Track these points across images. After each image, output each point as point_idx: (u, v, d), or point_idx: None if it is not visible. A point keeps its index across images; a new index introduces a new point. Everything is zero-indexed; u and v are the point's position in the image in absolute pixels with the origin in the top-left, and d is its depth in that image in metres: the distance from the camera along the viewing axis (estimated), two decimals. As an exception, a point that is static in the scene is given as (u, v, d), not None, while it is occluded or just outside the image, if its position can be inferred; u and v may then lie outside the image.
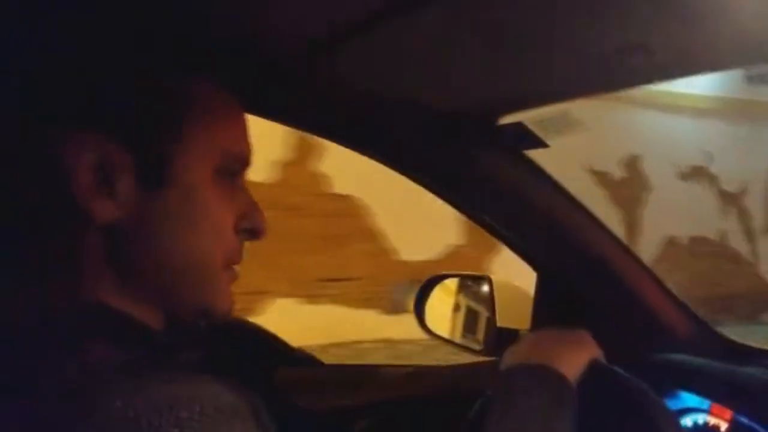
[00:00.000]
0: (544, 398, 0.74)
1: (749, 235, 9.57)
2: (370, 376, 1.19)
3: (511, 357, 0.84)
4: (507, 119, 0.92)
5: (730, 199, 9.55)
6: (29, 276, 0.50)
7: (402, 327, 5.78)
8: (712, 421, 0.87)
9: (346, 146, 0.99)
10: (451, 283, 1.20)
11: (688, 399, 0.89)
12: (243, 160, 0.58)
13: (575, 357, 0.82)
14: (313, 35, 0.70)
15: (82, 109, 0.50)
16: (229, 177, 0.56)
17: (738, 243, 9.46)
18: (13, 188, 0.50)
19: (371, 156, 0.99)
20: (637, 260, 0.99)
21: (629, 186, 8.40)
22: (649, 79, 0.81)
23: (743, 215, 9.77)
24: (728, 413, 0.84)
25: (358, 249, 6.54)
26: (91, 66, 0.50)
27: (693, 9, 0.64)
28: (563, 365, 0.79)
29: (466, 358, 1.17)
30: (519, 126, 0.92)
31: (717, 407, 0.86)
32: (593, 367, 0.90)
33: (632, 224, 8.32)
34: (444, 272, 1.21)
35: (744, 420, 0.81)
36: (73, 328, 0.48)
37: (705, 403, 0.87)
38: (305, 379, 1.13)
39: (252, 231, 0.59)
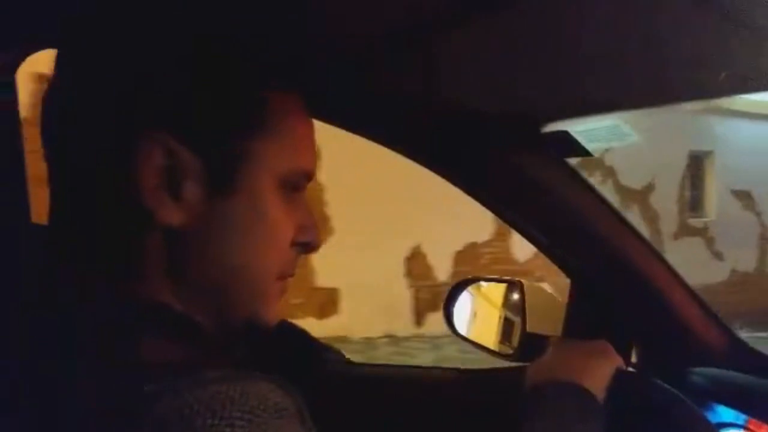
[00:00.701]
0: (573, 416, 0.74)
1: (654, 238, 9.27)
2: (404, 377, 1.20)
3: (537, 373, 0.84)
4: (552, 127, 0.92)
5: (631, 197, 9.53)
6: (96, 272, 0.50)
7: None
8: (748, 436, 0.87)
9: (393, 149, 0.99)
10: (481, 288, 1.20)
11: (724, 413, 0.89)
12: (308, 174, 0.58)
13: (601, 369, 0.82)
14: (369, 39, 0.70)
15: (158, 111, 0.49)
16: (292, 190, 0.56)
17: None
18: (90, 184, 0.50)
19: (416, 160, 0.99)
20: (673, 272, 0.99)
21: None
22: (706, 95, 0.81)
23: (648, 215, 9.77)
24: (765, 429, 0.85)
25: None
26: (171, 69, 0.50)
27: (753, 27, 0.64)
28: (590, 379, 0.79)
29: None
30: (564, 134, 0.92)
31: (754, 422, 0.86)
32: (631, 378, 0.91)
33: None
34: (475, 275, 1.21)
35: (783, 437, 0.81)
36: (131, 324, 0.48)
37: (741, 418, 0.88)
38: (340, 378, 1.13)
39: (307, 245, 0.59)
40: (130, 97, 0.49)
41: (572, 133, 0.92)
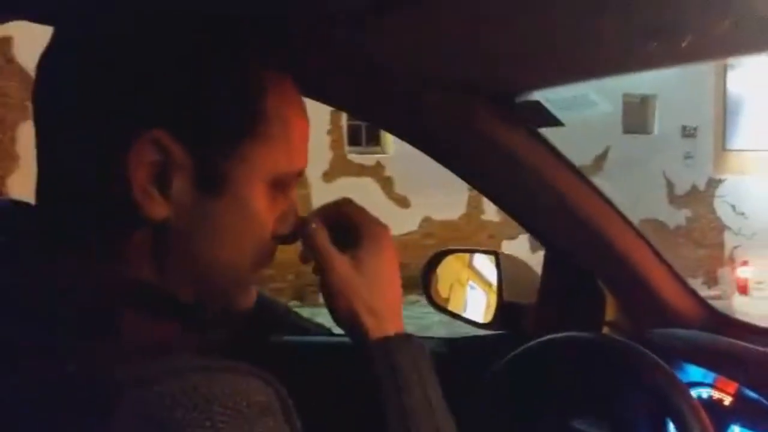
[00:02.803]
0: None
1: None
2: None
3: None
4: (524, 97, 0.94)
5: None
6: (80, 254, 0.50)
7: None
8: (716, 395, 0.90)
9: (364, 119, 0.99)
10: (458, 258, 1.22)
11: (693, 372, 0.92)
12: (298, 172, 0.57)
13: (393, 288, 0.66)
14: (334, 9, 0.70)
15: (155, 107, 0.50)
16: (281, 188, 0.56)
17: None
18: (80, 171, 0.50)
19: (388, 130, 0.99)
20: (644, 239, 1.01)
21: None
22: (670, 62, 0.82)
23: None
24: (732, 387, 0.88)
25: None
26: (171, 66, 0.50)
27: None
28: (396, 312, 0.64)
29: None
30: (536, 104, 0.94)
31: (721, 381, 0.89)
32: (603, 340, 0.93)
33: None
34: (451, 247, 1.22)
35: (749, 392, 0.84)
36: (112, 299, 0.48)
37: (709, 377, 0.90)
38: (301, 347, 1.14)
39: (287, 236, 0.59)
40: (129, 93, 0.49)
41: (544, 103, 0.94)
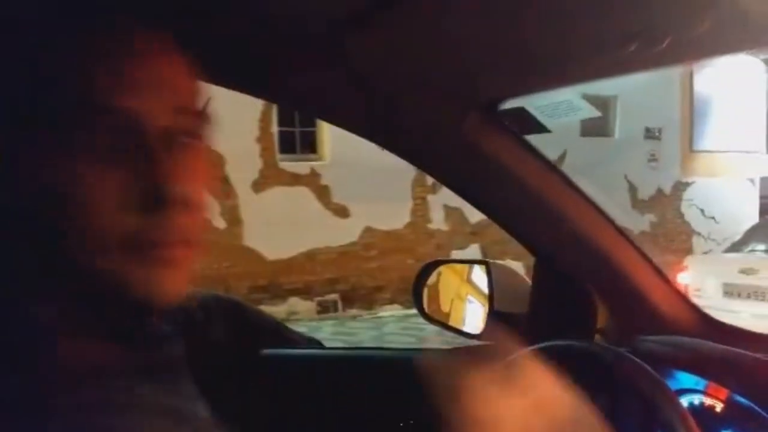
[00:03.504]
0: None
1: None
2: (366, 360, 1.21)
3: None
4: (509, 104, 0.94)
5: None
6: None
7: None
8: (708, 401, 0.88)
9: (348, 129, 1.00)
10: (455, 272, 1.22)
11: (684, 379, 0.90)
12: None
13: None
14: (317, 22, 0.71)
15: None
16: None
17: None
18: None
19: (372, 140, 1.00)
20: (633, 245, 1.01)
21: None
22: (655, 64, 0.82)
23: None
24: (724, 393, 0.86)
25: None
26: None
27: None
28: None
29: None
30: (521, 110, 0.94)
31: (712, 387, 0.87)
32: (594, 348, 0.92)
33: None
34: (441, 258, 1.22)
35: (740, 399, 0.83)
36: (49, 326, 0.47)
37: (701, 384, 0.89)
38: (292, 361, 1.14)
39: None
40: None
41: (529, 110, 0.94)
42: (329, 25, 0.73)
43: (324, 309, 7.69)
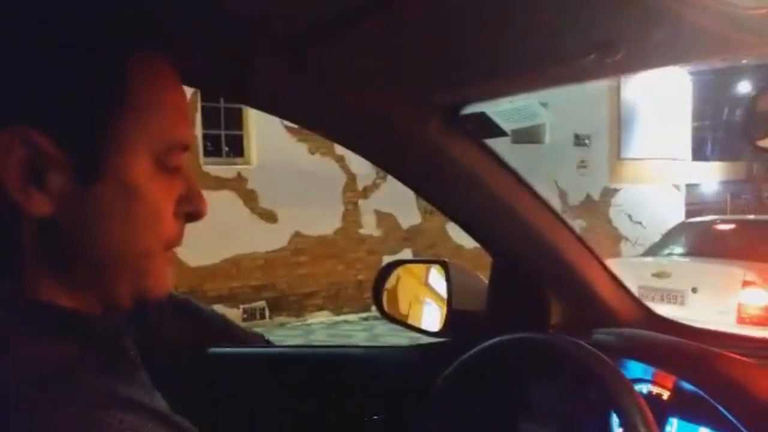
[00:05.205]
0: None
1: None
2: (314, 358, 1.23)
3: None
4: (470, 109, 0.98)
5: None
6: None
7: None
8: (655, 390, 0.95)
9: (316, 132, 1.02)
10: (408, 269, 1.25)
11: (633, 368, 0.96)
12: (181, 145, 0.55)
13: None
14: (289, 28, 0.73)
15: (11, 104, 0.49)
16: (167, 163, 0.54)
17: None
18: None
19: (339, 142, 1.02)
20: (584, 245, 1.07)
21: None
22: (611, 73, 0.88)
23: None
24: (670, 381, 0.93)
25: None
26: (16, 56, 0.48)
27: (653, 7, 0.71)
28: None
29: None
30: (481, 115, 0.98)
31: (659, 375, 0.94)
32: (551, 340, 0.97)
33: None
34: (401, 258, 1.25)
35: (686, 385, 0.89)
36: (6, 326, 0.48)
37: (648, 372, 0.95)
38: (239, 359, 1.15)
39: (192, 215, 0.57)
40: None
41: (489, 114, 0.98)
42: (297, 30, 0.75)
43: (250, 316, 7.57)
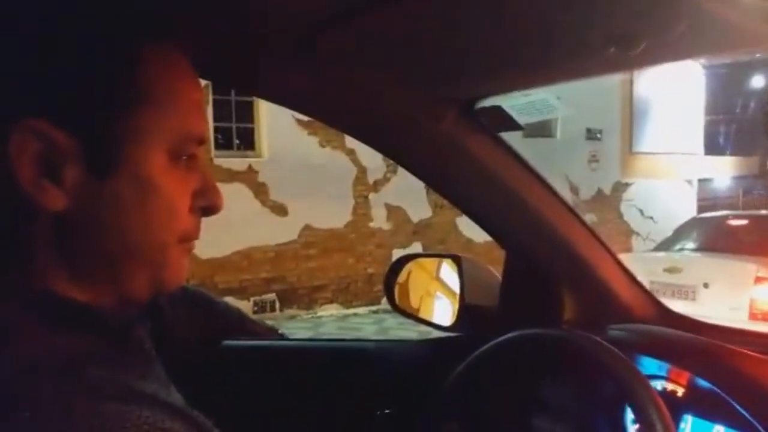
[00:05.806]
0: None
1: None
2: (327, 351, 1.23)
3: None
4: (485, 103, 0.97)
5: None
6: None
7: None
8: (670, 386, 0.94)
9: (329, 124, 1.01)
10: (419, 263, 1.24)
11: (648, 365, 0.96)
12: (197, 138, 0.55)
13: None
14: (300, 19, 0.73)
15: (25, 98, 0.48)
16: (182, 156, 0.54)
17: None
18: None
19: (354, 135, 1.01)
20: (599, 240, 1.06)
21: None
22: (631, 66, 0.87)
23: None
24: (685, 377, 0.92)
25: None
26: (32, 50, 0.48)
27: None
28: None
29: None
30: (497, 109, 0.97)
31: (674, 371, 0.93)
32: (564, 335, 0.97)
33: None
34: (413, 252, 1.24)
35: (701, 381, 0.89)
36: (18, 318, 0.48)
37: (663, 368, 0.95)
38: (253, 352, 1.15)
39: (207, 209, 0.57)
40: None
41: (505, 108, 0.97)
42: (310, 23, 0.74)
43: (261, 309, 7.60)
